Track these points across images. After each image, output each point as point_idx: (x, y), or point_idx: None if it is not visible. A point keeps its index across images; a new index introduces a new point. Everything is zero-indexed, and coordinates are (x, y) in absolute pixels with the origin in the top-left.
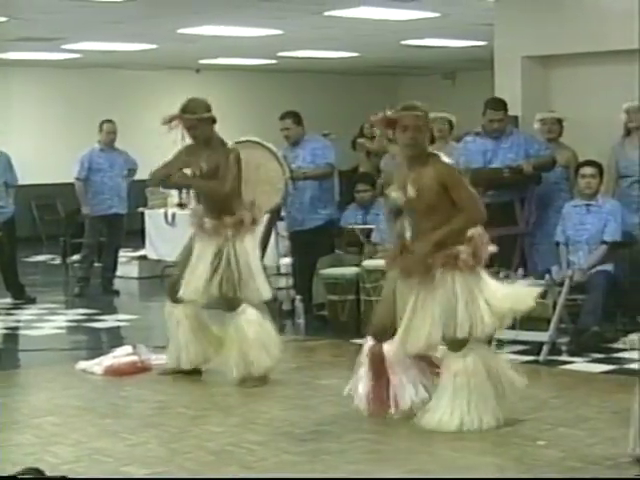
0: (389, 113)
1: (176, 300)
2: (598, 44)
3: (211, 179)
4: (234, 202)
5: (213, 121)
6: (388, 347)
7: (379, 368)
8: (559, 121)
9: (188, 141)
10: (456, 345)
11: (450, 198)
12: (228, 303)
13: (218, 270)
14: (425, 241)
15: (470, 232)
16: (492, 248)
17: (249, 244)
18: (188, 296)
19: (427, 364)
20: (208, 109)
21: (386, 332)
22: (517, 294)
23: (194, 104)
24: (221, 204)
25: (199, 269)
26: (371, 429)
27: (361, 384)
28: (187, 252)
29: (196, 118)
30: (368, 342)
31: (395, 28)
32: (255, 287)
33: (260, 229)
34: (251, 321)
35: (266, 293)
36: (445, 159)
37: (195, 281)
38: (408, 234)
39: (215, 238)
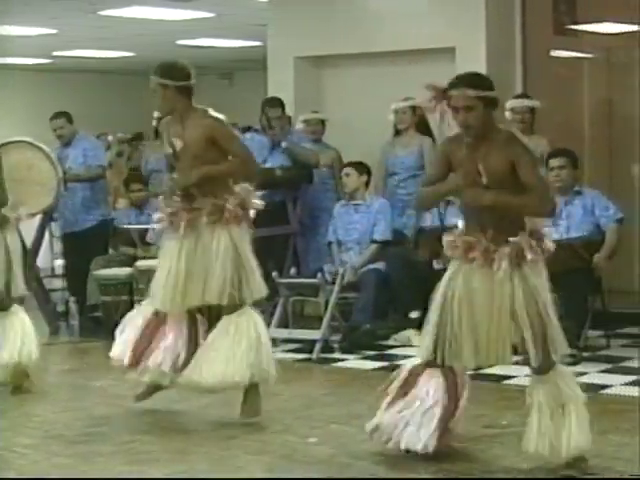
0: None
1: None
2: (367, 45)
3: None
4: None
5: None
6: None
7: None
8: (322, 122)
9: None
10: (230, 308)
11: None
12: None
13: None
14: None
15: (237, 187)
16: (259, 203)
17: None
18: None
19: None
20: None
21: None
22: None
23: None
24: None
25: None
26: (143, 430)
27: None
28: None
29: None
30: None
31: (170, 28)
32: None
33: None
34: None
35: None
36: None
37: None
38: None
39: None
